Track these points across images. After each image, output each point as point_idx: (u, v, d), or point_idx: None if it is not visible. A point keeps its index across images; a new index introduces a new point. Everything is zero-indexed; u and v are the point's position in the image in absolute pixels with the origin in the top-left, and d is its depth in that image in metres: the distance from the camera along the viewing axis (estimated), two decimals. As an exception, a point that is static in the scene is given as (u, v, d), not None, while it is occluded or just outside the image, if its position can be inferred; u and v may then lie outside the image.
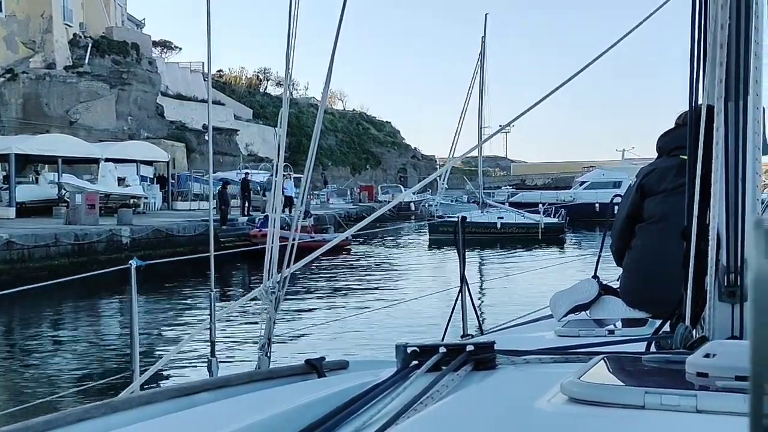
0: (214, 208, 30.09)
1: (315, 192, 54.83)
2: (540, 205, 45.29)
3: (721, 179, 2.25)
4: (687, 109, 2.39)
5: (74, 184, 30.76)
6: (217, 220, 29.78)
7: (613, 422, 1.54)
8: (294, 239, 3.53)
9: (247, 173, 39.97)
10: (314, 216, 33.50)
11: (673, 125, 3.81)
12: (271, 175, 36.83)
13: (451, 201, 51.55)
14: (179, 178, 45.03)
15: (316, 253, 3.82)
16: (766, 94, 2.29)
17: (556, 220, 37.53)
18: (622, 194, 4.15)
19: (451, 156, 39.47)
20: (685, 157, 2.48)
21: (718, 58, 2.24)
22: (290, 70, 3.64)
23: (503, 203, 46.09)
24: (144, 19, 66.52)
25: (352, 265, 26.59)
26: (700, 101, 2.36)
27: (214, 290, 4.24)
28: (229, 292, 19.39)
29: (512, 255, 30.04)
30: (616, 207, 4.09)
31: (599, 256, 4.60)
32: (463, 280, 6.19)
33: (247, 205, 36.64)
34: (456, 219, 7.07)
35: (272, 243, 3.51)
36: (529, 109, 3.53)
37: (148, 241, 26.29)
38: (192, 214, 34.70)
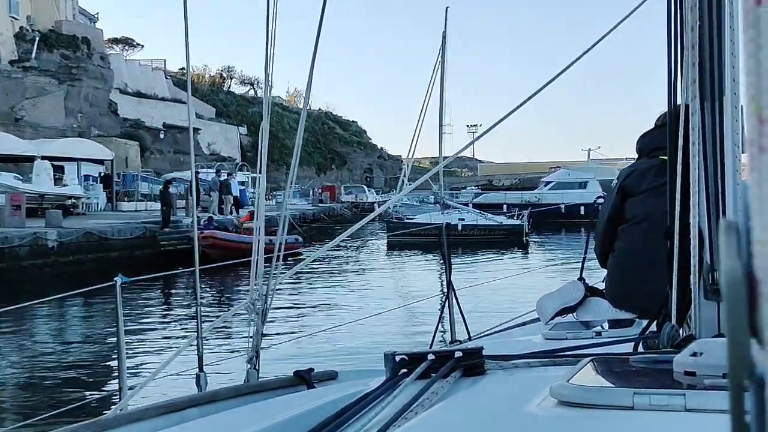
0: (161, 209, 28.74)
1: (273, 192, 53.14)
2: (504, 206, 43.93)
3: (700, 178, 2.26)
4: (660, 108, 2.41)
5: (4, 183, 28.50)
6: (170, 222, 28.52)
7: (604, 424, 1.55)
8: (280, 251, 3.52)
9: (198, 172, 37.71)
10: (265, 218, 32.60)
11: (647, 125, 3.84)
12: (216, 175, 34.89)
13: (417, 202, 50.46)
14: (125, 178, 42.41)
15: (302, 264, 3.82)
16: (744, 93, 2.31)
17: (518, 221, 36.16)
18: (604, 196, 4.17)
19: (410, 155, 37.86)
20: (665, 158, 2.50)
21: (690, 59, 2.25)
22: (270, 78, 3.64)
23: (467, 204, 44.90)
24: (97, 13, 63.68)
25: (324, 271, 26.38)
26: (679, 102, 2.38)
27: (200, 304, 4.21)
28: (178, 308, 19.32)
29: (474, 259, 28.92)
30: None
31: (584, 258, 4.62)
32: (449, 285, 6.19)
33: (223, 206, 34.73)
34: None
35: (257, 255, 3.50)
36: (509, 114, 3.55)
37: (78, 245, 24.23)
38: (136, 215, 32.58)
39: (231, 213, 33.79)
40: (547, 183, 55.24)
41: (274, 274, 3.54)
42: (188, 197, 34.71)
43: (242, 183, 47.08)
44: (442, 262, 26.68)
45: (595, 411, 1.59)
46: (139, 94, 59.82)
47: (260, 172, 3.76)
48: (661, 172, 2.76)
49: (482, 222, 35.13)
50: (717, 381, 1.60)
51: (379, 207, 36.21)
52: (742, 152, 2.31)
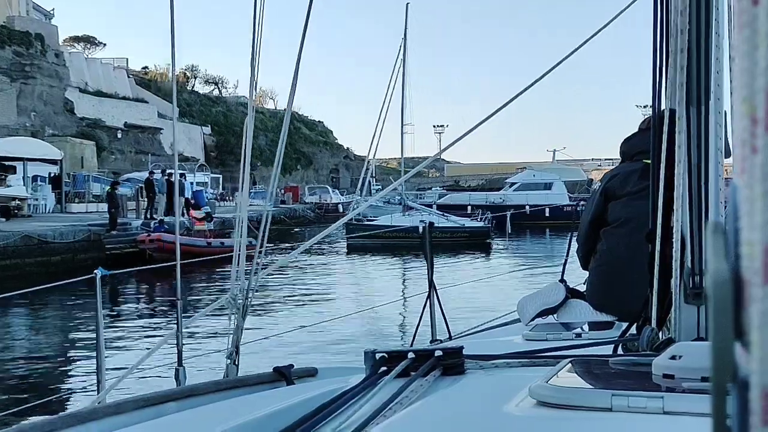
0: (109, 210, 27.27)
1: (223, 192, 51.63)
2: (469, 208, 42.95)
3: (684, 183, 2.27)
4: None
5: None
6: (126, 224, 27.35)
7: (581, 425, 1.55)
8: (262, 247, 3.51)
9: (152, 172, 35.05)
10: (218, 220, 30.84)
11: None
12: (162, 175, 32.97)
13: (382, 203, 49.43)
14: (75, 178, 40.19)
15: (287, 259, 3.81)
16: (728, 98, 2.32)
17: (482, 223, 34.96)
18: (587, 198, 4.19)
19: (373, 155, 37.33)
20: (649, 161, 2.51)
21: (678, 63, 2.26)
22: (255, 80, 3.63)
23: (431, 205, 43.66)
24: (53, 9, 61.73)
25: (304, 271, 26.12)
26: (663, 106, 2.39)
27: (181, 299, 4.20)
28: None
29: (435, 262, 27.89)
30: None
31: (566, 260, 4.64)
32: (431, 285, 6.20)
33: (151, 207, 32.20)
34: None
35: (239, 251, 3.49)
36: (490, 116, 3.55)
37: (16, 249, 22.81)
38: (84, 217, 30.74)
39: (183, 215, 31.84)
40: (512, 184, 54.38)
41: (255, 270, 3.53)
42: (138, 199, 33.83)
43: (201, 184, 45.67)
44: (409, 262, 25.94)
45: (573, 412, 1.59)
46: (99, 93, 58.30)
47: (243, 174, 3.74)
48: (645, 176, 2.77)
49: (444, 224, 33.22)
50: (695, 384, 1.60)
51: (343, 208, 36.31)
52: (725, 157, 2.32)
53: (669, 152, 2.31)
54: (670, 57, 2.30)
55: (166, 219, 28.86)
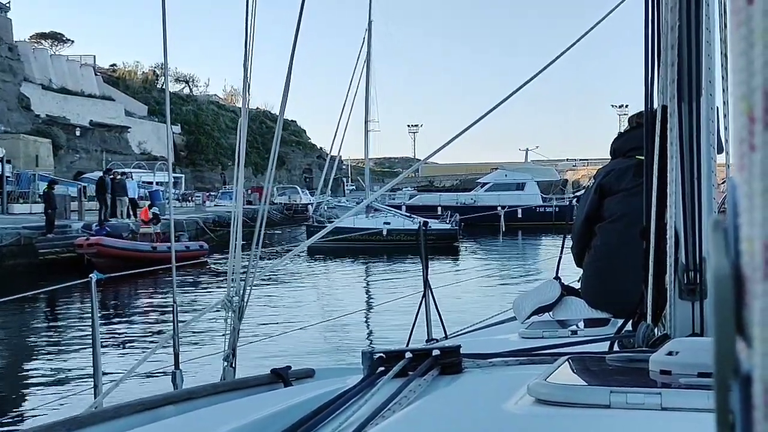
0: (46, 211, 25.01)
1: (186, 193, 49.66)
2: (439, 209, 41.48)
3: (677, 179, 2.28)
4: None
5: None
6: (88, 227, 25.33)
7: (580, 422, 1.56)
8: (257, 249, 3.51)
9: (107, 170, 32.42)
10: (168, 221, 28.59)
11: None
12: (105, 174, 30.74)
13: (355, 203, 46.81)
14: (19, 177, 37.20)
15: (282, 260, 3.81)
16: (720, 94, 2.33)
17: (449, 226, 32.80)
18: (581, 196, 4.19)
19: (338, 152, 35.84)
20: (642, 158, 2.51)
21: (669, 59, 2.27)
22: (248, 80, 3.63)
23: (400, 206, 42.08)
24: (9, 2, 57.60)
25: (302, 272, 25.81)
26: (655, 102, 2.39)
27: (176, 302, 4.20)
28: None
29: (396, 268, 26.06)
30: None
31: (560, 258, 4.64)
32: (426, 284, 6.20)
33: (105, 210, 28.99)
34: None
35: (234, 252, 3.49)
36: (481, 118, 3.56)
37: None
38: (23, 219, 28.04)
39: (128, 216, 29.94)
40: (484, 184, 52.82)
41: (251, 272, 3.53)
42: (82, 199, 31.52)
43: (160, 183, 43.94)
44: (373, 265, 24.97)
45: (572, 409, 1.59)
46: (64, 90, 56.80)
47: (237, 180, 3.74)
48: (639, 172, 2.78)
49: (409, 226, 30.95)
50: (693, 380, 1.61)
51: (312, 208, 33.50)
52: (717, 153, 2.33)
53: (662, 148, 2.32)
54: (661, 53, 2.31)
55: (114, 221, 27.34)
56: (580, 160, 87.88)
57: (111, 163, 44.50)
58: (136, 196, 33.46)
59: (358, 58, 38.17)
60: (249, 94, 3.79)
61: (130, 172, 37.31)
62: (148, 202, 33.50)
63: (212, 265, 23.01)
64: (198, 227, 32.84)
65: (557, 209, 43.29)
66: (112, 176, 30.57)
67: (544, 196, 50.14)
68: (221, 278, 20.85)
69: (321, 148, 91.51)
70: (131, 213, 30.47)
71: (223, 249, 26.20)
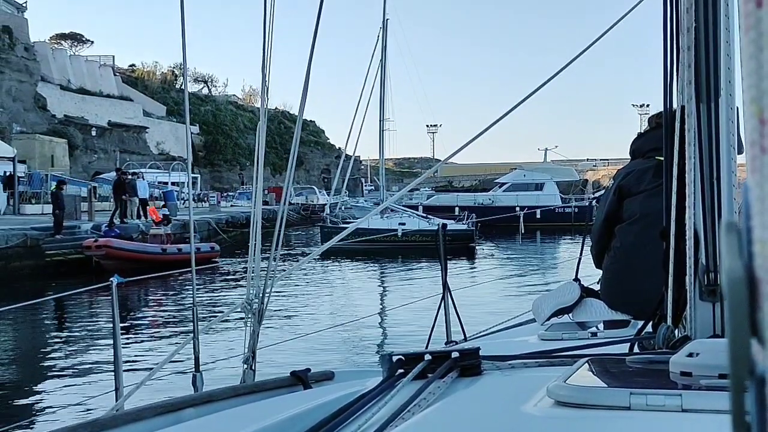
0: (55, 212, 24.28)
1: (202, 193, 49.30)
2: (456, 209, 40.46)
3: (696, 180, 2.27)
4: (639, 112, 2.42)
5: None
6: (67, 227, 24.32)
7: (600, 424, 1.55)
8: (277, 250, 3.52)
9: (125, 172, 31.93)
10: (179, 223, 27.96)
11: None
12: (117, 174, 30.71)
13: (373, 204, 43.28)
14: (32, 178, 36.78)
15: (301, 263, 3.83)
16: (740, 94, 2.32)
17: (465, 226, 31.70)
18: (601, 197, 4.18)
19: (353, 153, 34.97)
20: (662, 158, 2.51)
21: (686, 60, 2.26)
22: (266, 82, 3.64)
23: (417, 207, 41.20)
24: (26, 2, 58.25)
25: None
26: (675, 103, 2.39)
27: (197, 304, 4.22)
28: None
29: (408, 270, 25.40)
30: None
31: (580, 259, 4.63)
32: (445, 286, 6.20)
33: (120, 211, 28.43)
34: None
35: (254, 254, 3.50)
36: (502, 117, 3.55)
37: None
38: (33, 219, 27.64)
39: (139, 217, 29.38)
40: (502, 184, 51.98)
41: (271, 275, 3.55)
42: (92, 200, 31.04)
43: (176, 183, 44.19)
44: (386, 267, 24.54)
45: (592, 411, 1.59)
46: (82, 91, 56.97)
47: (256, 180, 3.75)
48: (659, 173, 2.77)
49: (425, 227, 30.16)
50: (713, 381, 1.61)
51: (331, 210, 32.40)
52: (738, 154, 2.32)
53: (681, 149, 2.31)
54: (679, 54, 2.30)
55: (127, 222, 26.71)
56: (601, 160, 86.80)
57: (126, 164, 44.25)
58: (147, 196, 32.92)
59: (372, 56, 37.46)
60: (268, 97, 3.81)
61: (142, 172, 36.71)
62: (161, 203, 33.52)
63: (225, 267, 22.77)
64: (210, 228, 32.23)
65: (576, 210, 42.67)
66: (120, 176, 30.18)
67: (564, 196, 49.32)
68: (234, 279, 20.85)
69: (339, 148, 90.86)
70: (141, 214, 29.95)
71: (234, 250, 26.60)
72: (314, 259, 23.83)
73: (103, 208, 31.09)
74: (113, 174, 34.98)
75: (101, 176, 43.90)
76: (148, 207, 30.53)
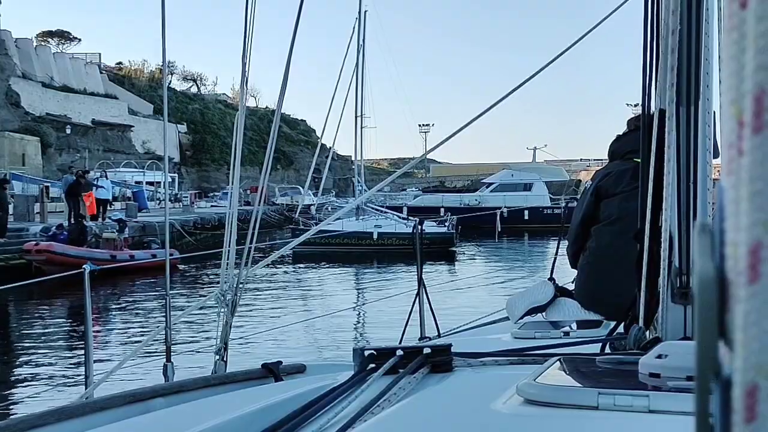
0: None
1: (179, 194, 46.65)
2: (441, 210, 39.27)
3: (673, 182, 2.28)
4: (634, 111, 2.43)
5: None
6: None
7: (568, 423, 1.56)
8: (251, 245, 3.51)
9: (80, 172, 28.68)
10: (138, 225, 26.66)
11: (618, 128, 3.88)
12: (69, 174, 28.19)
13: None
14: None
15: (271, 257, 3.83)
16: (717, 99, 2.33)
17: (444, 228, 30.44)
18: (578, 198, 4.20)
19: (331, 150, 33.64)
20: (639, 160, 2.52)
21: (669, 63, 2.27)
22: (246, 73, 3.63)
23: (401, 208, 39.92)
24: None
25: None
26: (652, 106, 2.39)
27: (169, 295, 4.20)
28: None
29: (379, 275, 24.30)
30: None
31: (555, 258, 4.65)
32: (420, 283, 6.21)
33: (74, 213, 24.94)
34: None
35: (229, 247, 3.49)
36: (481, 115, 3.56)
37: None
38: None
39: (96, 219, 27.05)
40: (489, 185, 50.14)
41: (244, 266, 3.54)
42: (44, 200, 27.97)
43: (151, 183, 43.06)
44: (363, 272, 24.13)
45: (560, 410, 1.60)
46: (66, 89, 55.87)
47: (234, 171, 3.73)
48: (637, 175, 2.79)
49: (402, 230, 28.36)
50: (681, 383, 1.61)
51: (315, 210, 32.62)
52: (714, 158, 2.33)
53: (659, 152, 2.32)
54: (660, 57, 2.31)
55: (67, 225, 23.74)
56: (594, 160, 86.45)
57: (100, 162, 43.00)
58: (110, 197, 31.07)
59: (348, 48, 35.60)
60: (247, 87, 3.79)
61: (104, 172, 34.55)
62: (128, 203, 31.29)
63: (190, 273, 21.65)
64: (174, 230, 28.43)
65: (566, 211, 41.44)
66: (78, 177, 26.98)
67: (555, 197, 47.59)
68: (200, 284, 20.35)
69: (330, 147, 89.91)
70: (99, 216, 27.68)
71: (202, 251, 25.22)
72: (285, 258, 23.03)
73: (59, 210, 28.50)
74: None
75: (65, 176, 42.71)
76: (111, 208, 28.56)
